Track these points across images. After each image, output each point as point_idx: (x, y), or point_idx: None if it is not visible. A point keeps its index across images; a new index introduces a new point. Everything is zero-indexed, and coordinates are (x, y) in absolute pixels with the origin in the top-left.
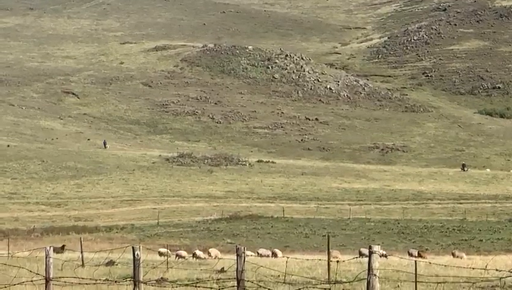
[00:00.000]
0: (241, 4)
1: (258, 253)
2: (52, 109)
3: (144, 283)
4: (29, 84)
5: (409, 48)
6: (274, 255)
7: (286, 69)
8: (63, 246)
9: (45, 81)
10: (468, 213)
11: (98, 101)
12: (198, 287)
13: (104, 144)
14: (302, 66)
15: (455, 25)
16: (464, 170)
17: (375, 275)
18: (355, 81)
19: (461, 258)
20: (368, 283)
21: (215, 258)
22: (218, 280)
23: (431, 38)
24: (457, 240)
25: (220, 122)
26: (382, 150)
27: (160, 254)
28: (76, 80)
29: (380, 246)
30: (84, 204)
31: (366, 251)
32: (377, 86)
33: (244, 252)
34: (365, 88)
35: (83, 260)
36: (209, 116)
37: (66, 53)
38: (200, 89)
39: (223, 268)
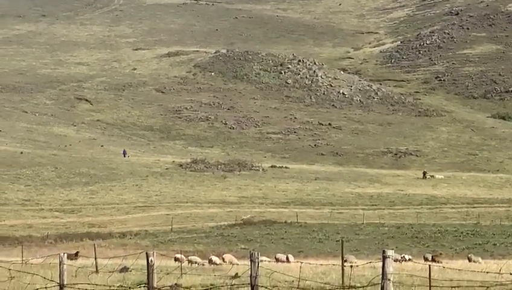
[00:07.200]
0: (254, 10)
1: (275, 258)
2: (65, 115)
3: (158, 289)
4: (42, 91)
5: (421, 52)
6: (287, 259)
7: (299, 74)
8: (77, 252)
9: (58, 88)
10: (482, 217)
11: (111, 108)
12: None
13: (124, 153)
14: (314, 71)
15: (468, 29)
16: (426, 178)
17: (389, 279)
18: (368, 86)
19: (478, 263)
20: (382, 287)
21: (229, 263)
22: (232, 285)
23: (444, 42)
24: (471, 244)
25: (233, 127)
26: (395, 154)
27: (176, 259)
28: (89, 87)
29: (393, 251)
30: (98, 210)
31: (397, 256)
32: (390, 91)
33: (258, 258)
34: (378, 93)
35: (96, 267)
36: (222, 121)
37: (78, 59)
38: (213, 95)
39: (236, 274)
